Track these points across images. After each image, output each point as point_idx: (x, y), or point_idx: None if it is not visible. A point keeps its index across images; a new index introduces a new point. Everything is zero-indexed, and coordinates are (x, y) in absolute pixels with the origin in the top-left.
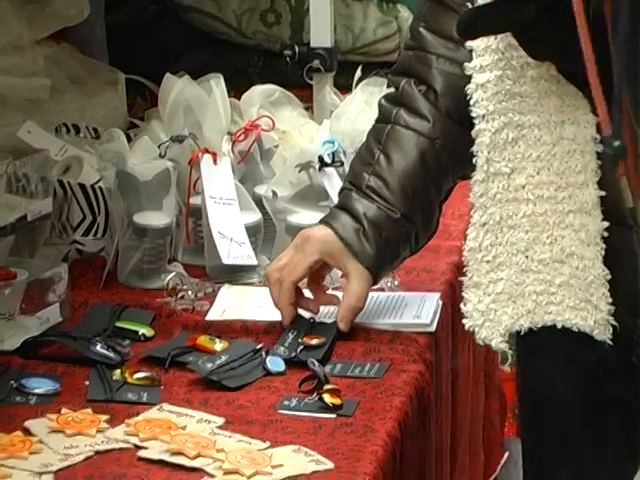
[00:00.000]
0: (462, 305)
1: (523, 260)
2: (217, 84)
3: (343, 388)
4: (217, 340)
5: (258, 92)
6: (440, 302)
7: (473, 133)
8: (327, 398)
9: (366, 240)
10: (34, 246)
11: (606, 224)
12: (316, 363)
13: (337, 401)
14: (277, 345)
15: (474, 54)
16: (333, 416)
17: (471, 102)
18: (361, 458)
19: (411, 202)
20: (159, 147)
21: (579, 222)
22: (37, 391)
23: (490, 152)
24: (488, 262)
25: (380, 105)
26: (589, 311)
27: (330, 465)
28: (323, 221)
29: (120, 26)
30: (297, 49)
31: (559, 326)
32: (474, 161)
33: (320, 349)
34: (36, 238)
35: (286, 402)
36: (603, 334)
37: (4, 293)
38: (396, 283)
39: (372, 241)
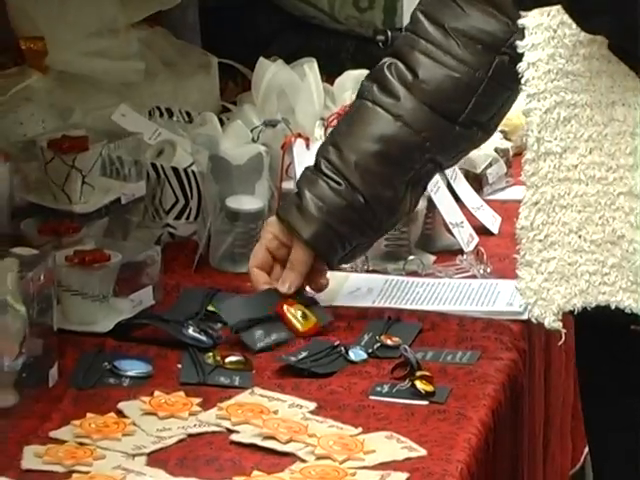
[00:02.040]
0: (516, 283)
1: (576, 240)
2: (311, 68)
3: (435, 375)
4: (303, 317)
5: (351, 77)
6: None
7: (523, 112)
8: (419, 385)
9: (305, 214)
10: (127, 229)
11: None
12: (408, 349)
13: (429, 388)
14: (354, 344)
15: (526, 32)
16: (425, 403)
17: (522, 81)
18: (454, 446)
19: (364, 176)
20: (252, 131)
21: (629, 205)
22: (130, 373)
23: (541, 131)
24: (540, 241)
25: (361, 82)
26: (639, 294)
27: (423, 452)
28: (278, 210)
29: (213, 10)
30: (390, 34)
31: (612, 307)
32: (524, 140)
33: (396, 349)
34: (129, 221)
35: (378, 388)
36: None
37: (98, 275)
38: (489, 270)
39: (311, 215)
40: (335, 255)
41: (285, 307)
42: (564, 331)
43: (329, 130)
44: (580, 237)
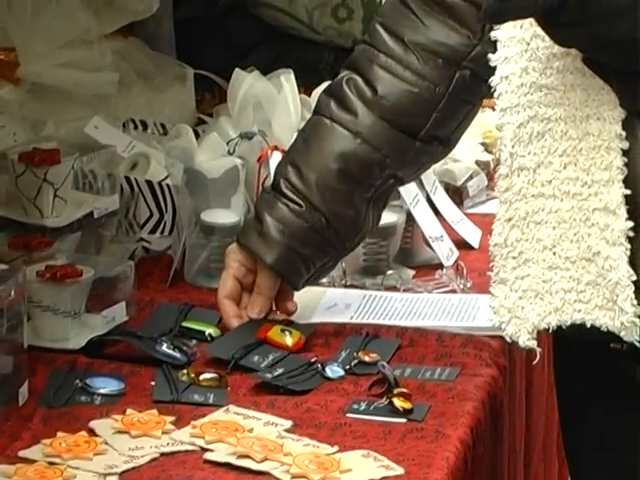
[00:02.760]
0: (490, 301)
1: (550, 257)
2: (287, 80)
3: (413, 392)
4: (288, 333)
5: None
6: None
7: (496, 126)
8: (397, 402)
9: (267, 239)
10: (100, 243)
11: (630, 224)
12: (386, 366)
13: (407, 405)
14: (331, 360)
15: (499, 45)
16: (403, 420)
17: (495, 95)
18: (432, 464)
19: (324, 195)
20: (228, 144)
21: (604, 221)
22: (102, 391)
23: (514, 146)
24: (514, 258)
25: (318, 96)
26: (616, 312)
27: (400, 471)
28: (237, 235)
29: (188, 21)
30: None
31: (588, 325)
32: (498, 155)
33: (374, 366)
34: (102, 235)
35: (355, 406)
36: (631, 336)
37: (70, 291)
38: (469, 285)
39: (273, 240)
40: (300, 278)
41: (267, 332)
42: (539, 350)
43: None
44: (555, 254)
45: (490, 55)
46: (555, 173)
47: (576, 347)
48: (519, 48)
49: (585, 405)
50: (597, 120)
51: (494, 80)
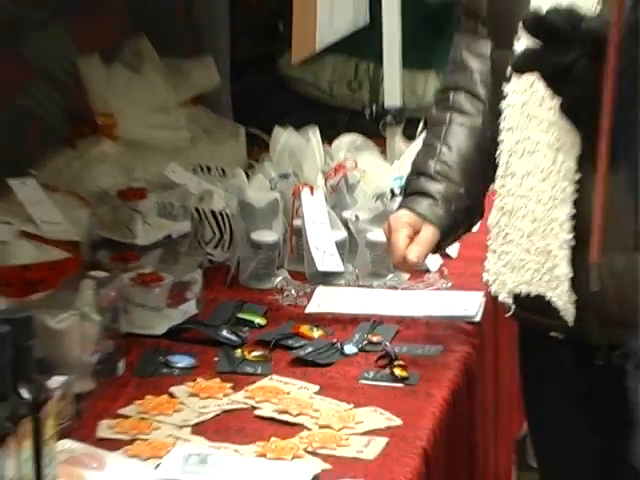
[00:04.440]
0: (485, 262)
1: (527, 243)
2: (314, 134)
3: (408, 364)
4: (315, 329)
5: (345, 141)
6: (484, 298)
7: (499, 140)
8: (397, 371)
9: (439, 210)
10: (177, 257)
11: (571, 236)
12: (388, 345)
13: (404, 374)
14: (347, 341)
15: (513, 77)
16: (401, 385)
17: (501, 116)
18: (422, 417)
19: (471, 180)
20: (270, 182)
21: (557, 229)
22: (179, 365)
23: (510, 157)
24: (502, 237)
25: (431, 115)
26: (559, 297)
27: (399, 422)
28: (402, 206)
29: (242, 91)
30: (374, 108)
31: (547, 298)
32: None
33: (379, 345)
34: (178, 251)
35: (365, 374)
36: (567, 317)
37: (154, 291)
38: (449, 285)
39: (444, 211)
40: (448, 241)
41: (300, 328)
42: (513, 306)
43: (329, 181)
44: (530, 242)
45: (504, 85)
46: (536, 183)
47: (535, 335)
48: (525, 85)
49: (539, 378)
50: (563, 153)
51: (502, 104)
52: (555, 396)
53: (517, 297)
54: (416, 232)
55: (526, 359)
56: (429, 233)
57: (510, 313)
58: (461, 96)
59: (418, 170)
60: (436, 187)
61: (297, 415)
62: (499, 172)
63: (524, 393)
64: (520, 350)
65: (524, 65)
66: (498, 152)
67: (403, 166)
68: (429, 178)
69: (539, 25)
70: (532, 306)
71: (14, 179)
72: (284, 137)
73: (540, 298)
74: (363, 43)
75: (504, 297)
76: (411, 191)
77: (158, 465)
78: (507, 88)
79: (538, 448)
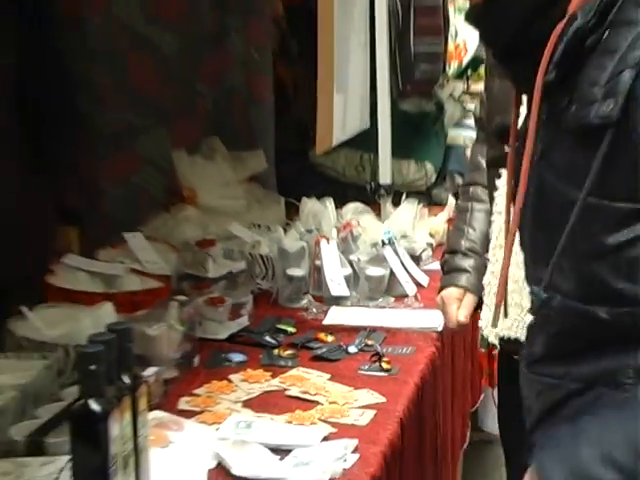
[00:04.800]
0: (481, 313)
1: (509, 299)
2: (330, 203)
3: (392, 360)
4: (329, 335)
5: (351, 207)
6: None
7: (491, 219)
8: (384, 365)
9: (474, 279)
10: (236, 286)
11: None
12: (378, 347)
13: (389, 367)
14: (350, 344)
15: (502, 172)
16: (386, 374)
17: (494, 202)
18: (400, 396)
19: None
20: (299, 235)
21: (515, 273)
22: (235, 360)
23: (499, 233)
24: (492, 294)
25: (457, 204)
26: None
27: (384, 399)
28: (447, 283)
29: (283, 173)
30: (373, 184)
31: (522, 340)
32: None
33: (373, 347)
34: (237, 282)
35: (363, 367)
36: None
37: (219, 310)
38: (421, 305)
39: (477, 279)
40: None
41: (319, 335)
42: (499, 346)
43: (340, 235)
44: (512, 298)
45: (496, 180)
46: (501, 241)
47: (514, 361)
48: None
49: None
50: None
51: (495, 194)
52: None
53: (502, 338)
54: (460, 299)
55: (503, 374)
56: (470, 299)
57: (497, 350)
58: (478, 189)
59: (453, 248)
60: (469, 262)
61: (314, 395)
62: (491, 244)
63: (499, 392)
64: (500, 368)
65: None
66: (491, 229)
67: (392, 224)
68: (462, 255)
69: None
70: (512, 345)
71: (127, 233)
72: (309, 204)
73: (517, 339)
74: (366, 140)
75: (492, 339)
76: (449, 268)
77: (218, 428)
78: (498, 182)
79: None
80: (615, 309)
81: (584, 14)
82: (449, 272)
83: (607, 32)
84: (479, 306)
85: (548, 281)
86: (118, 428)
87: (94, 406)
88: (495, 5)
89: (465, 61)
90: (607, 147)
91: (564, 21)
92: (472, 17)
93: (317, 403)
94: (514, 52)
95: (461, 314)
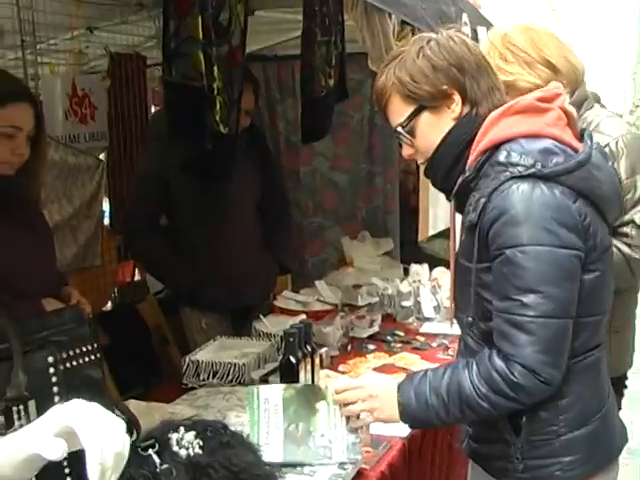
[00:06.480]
0: None
1: None
2: (425, 267)
3: (454, 350)
4: (422, 337)
5: (438, 270)
6: None
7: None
8: (450, 352)
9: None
10: (372, 310)
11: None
12: (448, 344)
13: (453, 353)
14: (433, 342)
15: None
16: (450, 357)
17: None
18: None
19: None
20: (409, 283)
21: None
22: (370, 348)
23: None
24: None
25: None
26: None
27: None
28: None
29: (402, 251)
30: None
31: None
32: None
33: (445, 344)
34: (373, 308)
35: (438, 354)
36: None
37: (362, 322)
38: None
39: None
40: None
41: (416, 337)
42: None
43: (431, 284)
44: None
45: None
46: None
47: None
48: None
49: None
50: None
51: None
52: None
53: None
54: None
55: None
56: None
57: None
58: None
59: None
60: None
61: (410, 366)
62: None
63: None
64: None
65: None
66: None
67: None
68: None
69: None
70: None
71: (316, 280)
72: (414, 267)
73: None
74: None
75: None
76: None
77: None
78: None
79: None
80: (488, 322)
81: (469, 170)
82: None
83: (479, 180)
84: None
85: (467, 311)
86: (303, 373)
87: (292, 359)
88: (432, 165)
89: None
90: (477, 237)
91: (462, 174)
92: (424, 173)
93: (411, 370)
94: (443, 189)
95: None
